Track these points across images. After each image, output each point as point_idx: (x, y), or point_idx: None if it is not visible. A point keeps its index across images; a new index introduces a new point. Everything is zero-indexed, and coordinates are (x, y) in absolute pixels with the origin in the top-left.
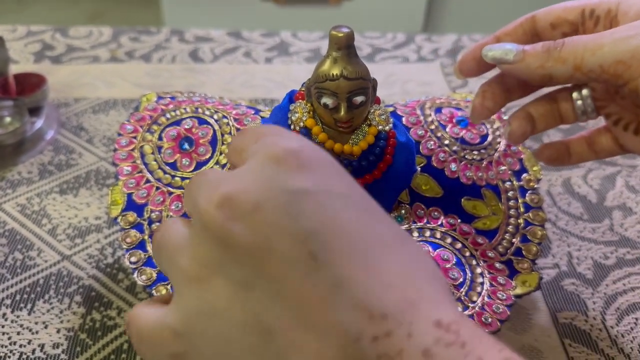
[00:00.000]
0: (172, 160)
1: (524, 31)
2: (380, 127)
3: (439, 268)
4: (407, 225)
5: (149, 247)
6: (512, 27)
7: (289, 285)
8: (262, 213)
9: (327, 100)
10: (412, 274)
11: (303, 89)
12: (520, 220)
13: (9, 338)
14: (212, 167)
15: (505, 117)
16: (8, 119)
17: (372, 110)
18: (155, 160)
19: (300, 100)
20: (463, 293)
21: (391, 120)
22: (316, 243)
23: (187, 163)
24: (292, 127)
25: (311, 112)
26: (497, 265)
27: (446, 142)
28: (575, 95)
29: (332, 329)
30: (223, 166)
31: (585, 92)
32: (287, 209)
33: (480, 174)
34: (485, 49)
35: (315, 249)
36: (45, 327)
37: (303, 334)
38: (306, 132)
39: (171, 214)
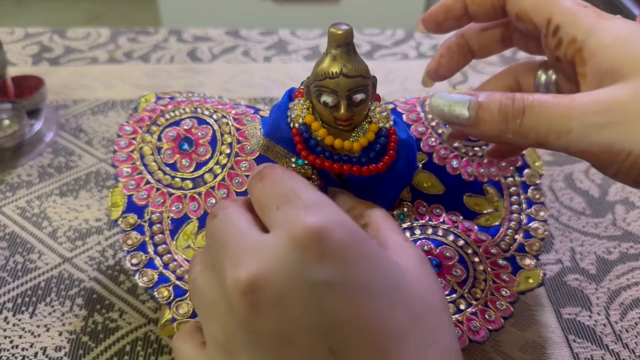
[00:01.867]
0: (172, 161)
1: (493, 4)
2: (381, 124)
3: (456, 339)
4: (409, 223)
5: (150, 249)
6: None
7: None
8: (285, 306)
9: (326, 99)
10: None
11: (302, 87)
12: (523, 217)
13: (11, 341)
14: (212, 167)
15: None
16: (7, 122)
17: (372, 108)
18: (155, 161)
19: (299, 98)
20: (466, 290)
21: (392, 117)
22: (335, 339)
23: (187, 164)
24: (291, 124)
25: (310, 109)
26: (500, 261)
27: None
28: (540, 75)
29: None
30: (223, 167)
31: (551, 73)
32: (309, 303)
33: (482, 170)
34: (433, 99)
35: (335, 345)
36: (47, 330)
37: None
38: (305, 128)
39: (172, 214)
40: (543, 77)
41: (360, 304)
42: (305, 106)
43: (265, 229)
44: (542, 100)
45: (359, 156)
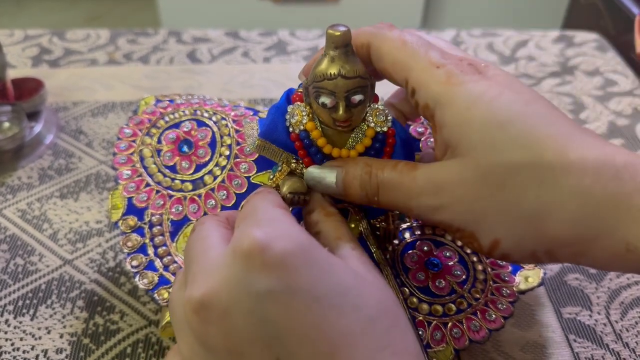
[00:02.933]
0: (171, 163)
1: (367, 55)
2: (378, 127)
3: (414, 335)
4: (408, 223)
5: (150, 251)
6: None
7: None
8: (231, 319)
9: (325, 100)
10: None
11: (300, 89)
12: None
13: (12, 344)
14: (211, 169)
15: None
16: (7, 124)
17: (370, 110)
18: (155, 163)
19: (299, 103)
20: (466, 290)
21: (390, 118)
22: (282, 349)
23: (187, 166)
24: (291, 129)
25: (311, 115)
26: (500, 261)
27: None
28: None
29: None
30: (223, 168)
31: None
32: (253, 314)
33: None
34: (309, 169)
35: (282, 355)
36: (48, 332)
37: None
38: (306, 134)
39: (172, 216)
40: None
41: (303, 312)
42: (305, 112)
43: None
44: (389, 178)
45: None
